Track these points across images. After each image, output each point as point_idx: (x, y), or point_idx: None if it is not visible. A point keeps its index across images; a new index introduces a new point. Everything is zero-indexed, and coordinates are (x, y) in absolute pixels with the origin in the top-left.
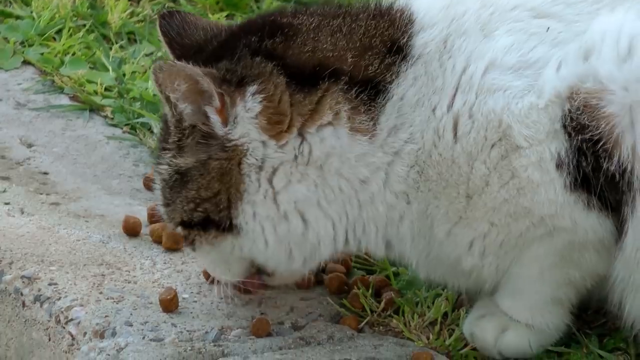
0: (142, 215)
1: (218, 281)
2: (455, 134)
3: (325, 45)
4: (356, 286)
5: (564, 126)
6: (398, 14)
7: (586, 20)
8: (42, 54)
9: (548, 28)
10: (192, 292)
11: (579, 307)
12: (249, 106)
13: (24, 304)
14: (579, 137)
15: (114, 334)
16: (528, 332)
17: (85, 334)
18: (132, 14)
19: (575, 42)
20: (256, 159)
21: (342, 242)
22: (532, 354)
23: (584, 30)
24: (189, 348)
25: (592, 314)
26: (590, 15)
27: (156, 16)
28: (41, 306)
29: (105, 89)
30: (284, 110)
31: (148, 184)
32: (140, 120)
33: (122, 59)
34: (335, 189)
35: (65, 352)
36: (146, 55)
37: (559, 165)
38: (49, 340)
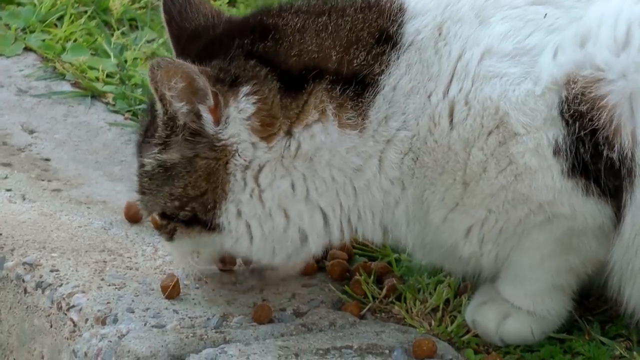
0: None
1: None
2: (451, 121)
3: (310, 47)
4: (358, 273)
5: (562, 113)
6: (388, 4)
7: (584, 7)
8: (43, 40)
9: (545, 14)
10: (193, 279)
11: (580, 294)
12: (242, 107)
13: (25, 291)
14: (577, 125)
15: (115, 321)
16: (530, 318)
17: (86, 320)
18: (133, 1)
19: (571, 28)
20: (244, 160)
21: (337, 233)
22: (534, 340)
23: (581, 16)
24: (191, 334)
25: (593, 300)
26: (588, 1)
27: (158, 3)
28: (43, 293)
29: (107, 76)
30: (275, 113)
31: None
32: (142, 106)
33: (124, 46)
34: (327, 179)
35: (67, 339)
36: (148, 41)
37: (556, 152)
38: (51, 326)
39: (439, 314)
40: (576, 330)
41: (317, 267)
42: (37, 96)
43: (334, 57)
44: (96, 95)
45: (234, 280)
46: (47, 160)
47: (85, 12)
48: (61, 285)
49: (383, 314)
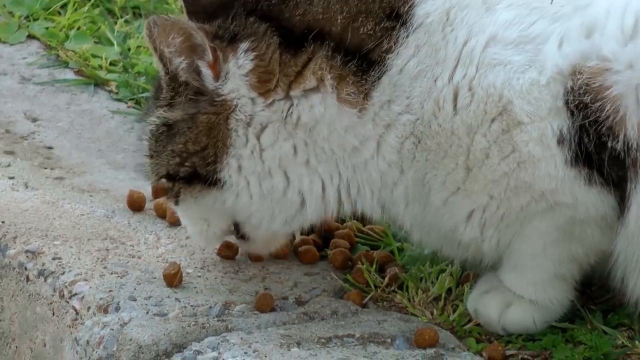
0: (146, 190)
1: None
2: (455, 106)
3: (316, 9)
4: (360, 261)
5: (567, 104)
6: None
7: None
8: (47, 28)
9: (552, 1)
10: (196, 267)
11: (583, 283)
12: (241, 63)
13: (28, 279)
14: (581, 115)
15: (117, 309)
16: (532, 307)
17: (89, 308)
18: None
19: (577, 17)
20: (245, 115)
21: (334, 203)
22: (536, 329)
23: (586, 4)
24: (193, 323)
25: (596, 289)
26: None
27: None
28: (45, 281)
29: (110, 64)
30: (273, 69)
31: None
32: (145, 94)
33: (127, 34)
34: (326, 150)
35: (69, 327)
36: None
37: (560, 142)
38: (53, 314)
39: (441, 303)
40: (578, 320)
41: (319, 255)
42: (40, 84)
43: (339, 21)
44: (99, 83)
45: (236, 268)
46: (50, 148)
47: (89, 0)
48: (63, 273)
49: (385, 302)
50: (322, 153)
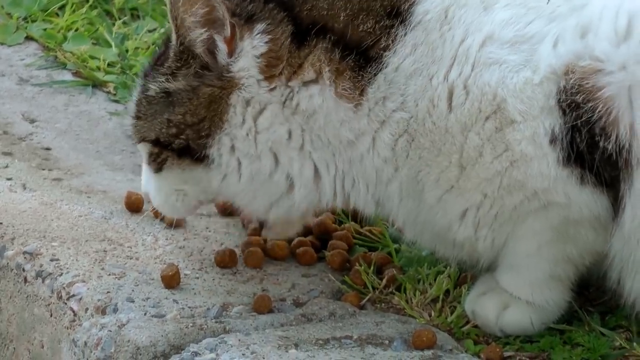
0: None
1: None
2: (449, 104)
3: (322, 4)
4: (358, 263)
5: (559, 102)
6: None
7: None
8: (45, 29)
9: (548, 1)
10: (194, 269)
11: (580, 284)
12: (255, 44)
13: (25, 280)
14: (573, 114)
15: (115, 310)
16: (529, 309)
17: (86, 309)
18: None
19: (573, 17)
20: (247, 95)
21: (330, 193)
22: (534, 331)
23: (582, 4)
24: (191, 324)
25: (594, 291)
26: None
27: None
28: (43, 282)
29: (108, 65)
30: (282, 56)
31: None
32: None
33: (125, 35)
34: (322, 138)
35: (67, 328)
36: (149, 31)
37: (552, 141)
38: (51, 316)
39: (439, 305)
40: (576, 321)
41: (317, 257)
42: (38, 85)
43: (341, 18)
44: (97, 85)
45: (234, 270)
46: (48, 149)
47: (87, 1)
48: (61, 274)
49: (383, 304)
50: (317, 140)
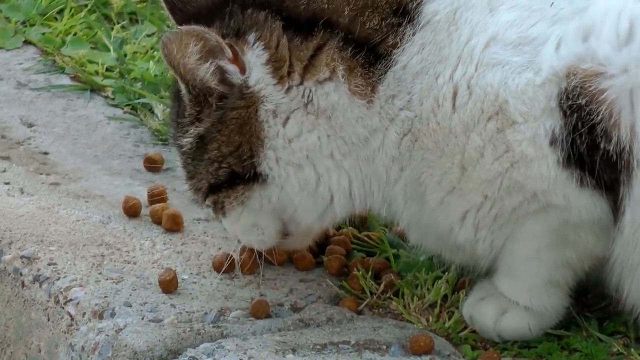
0: (142, 196)
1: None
2: (454, 104)
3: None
4: (356, 268)
5: (560, 104)
6: None
7: None
8: (43, 33)
9: (552, 3)
10: (191, 273)
11: (578, 290)
12: (257, 53)
13: (23, 284)
14: (574, 117)
15: (113, 315)
16: (527, 314)
17: (84, 314)
18: None
19: (575, 20)
20: (272, 105)
21: (359, 199)
22: (532, 336)
23: (585, 6)
24: (188, 329)
25: (592, 297)
26: None
27: None
28: (40, 286)
29: (107, 69)
30: (282, 55)
31: (148, 165)
32: (141, 100)
33: (124, 39)
34: (347, 140)
35: (64, 333)
36: (148, 35)
37: (552, 142)
38: (48, 320)
39: (437, 310)
40: (574, 327)
41: (315, 262)
42: (37, 89)
43: (346, 12)
44: (95, 89)
45: (232, 275)
46: (46, 153)
47: (86, 5)
48: (59, 278)
49: (381, 309)
50: (343, 145)
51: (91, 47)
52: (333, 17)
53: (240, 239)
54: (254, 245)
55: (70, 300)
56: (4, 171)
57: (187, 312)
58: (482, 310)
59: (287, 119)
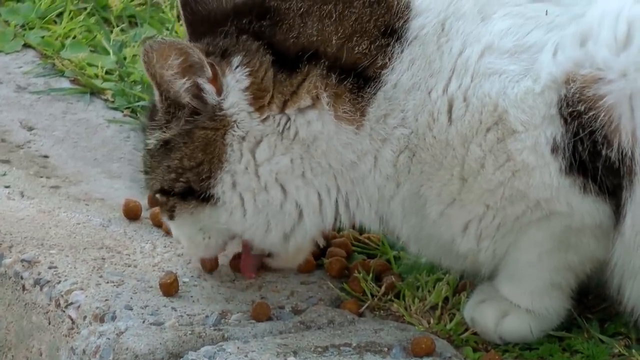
0: (142, 198)
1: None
2: (450, 117)
3: (310, 31)
4: (357, 270)
5: (560, 111)
6: (395, 2)
7: (584, 4)
8: (42, 37)
9: (546, 11)
10: (192, 276)
11: (579, 292)
12: (238, 77)
13: (23, 288)
14: (575, 123)
15: (114, 318)
16: (528, 317)
17: (85, 317)
18: None
19: (572, 26)
20: (242, 131)
21: (331, 216)
22: (533, 338)
23: (581, 13)
24: (189, 332)
25: (593, 298)
26: None
27: (157, 0)
28: (41, 290)
29: (106, 73)
30: (266, 86)
31: None
32: (141, 103)
33: (123, 43)
34: (322, 164)
35: (65, 336)
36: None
37: (554, 150)
38: (49, 323)
39: (438, 312)
40: (575, 328)
41: (316, 264)
42: (36, 93)
43: (334, 42)
44: (95, 92)
45: (233, 277)
46: (46, 157)
47: (85, 8)
48: (59, 282)
49: (382, 311)
50: (317, 167)
51: (91, 50)
52: (321, 48)
53: (183, 243)
54: (197, 250)
55: (71, 303)
56: (4, 175)
57: (188, 315)
58: (483, 313)
59: (258, 143)
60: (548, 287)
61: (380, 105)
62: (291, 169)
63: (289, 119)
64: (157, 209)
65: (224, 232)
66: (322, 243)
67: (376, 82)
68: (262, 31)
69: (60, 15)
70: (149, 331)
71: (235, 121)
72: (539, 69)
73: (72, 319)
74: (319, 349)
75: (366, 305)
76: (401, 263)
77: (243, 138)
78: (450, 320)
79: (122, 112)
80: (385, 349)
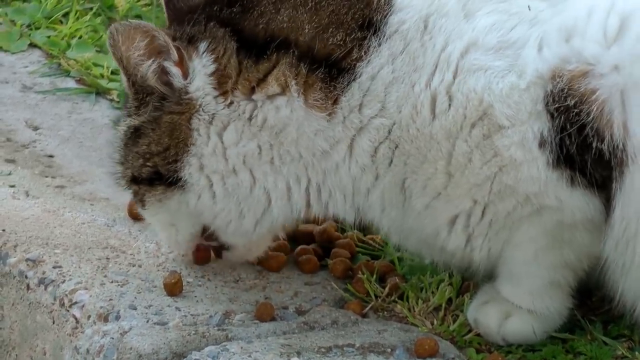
0: None
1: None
2: (433, 111)
3: (282, 18)
4: (360, 271)
5: (546, 106)
6: None
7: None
8: (48, 37)
9: (529, 7)
10: (196, 276)
11: (583, 294)
12: (204, 62)
13: (28, 287)
14: (562, 118)
15: (118, 318)
16: (531, 318)
17: (89, 317)
18: None
19: (556, 21)
20: (207, 115)
21: (302, 205)
22: (536, 340)
23: (564, 8)
24: (193, 332)
25: (596, 300)
26: None
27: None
28: (45, 289)
29: (112, 73)
30: (229, 72)
31: None
32: None
33: None
34: (293, 153)
35: (69, 335)
36: None
37: (541, 144)
38: (53, 323)
39: (441, 313)
40: (578, 330)
41: (320, 265)
42: (42, 93)
43: (307, 30)
44: (101, 92)
45: (237, 277)
46: (51, 156)
47: (91, 9)
48: (64, 281)
49: (385, 312)
50: (286, 155)
51: (96, 50)
52: (291, 36)
53: (158, 234)
54: (168, 244)
55: (76, 303)
56: (10, 174)
57: (192, 315)
58: (486, 314)
59: (225, 127)
60: (547, 285)
61: (355, 95)
62: (259, 154)
63: (256, 105)
64: (133, 202)
65: (193, 226)
66: (282, 236)
67: (350, 73)
68: (231, 17)
69: (66, 15)
70: (153, 331)
71: (200, 105)
72: (523, 64)
73: (76, 319)
74: (323, 350)
75: (370, 306)
76: (405, 264)
77: (210, 122)
78: (454, 322)
79: None
80: (389, 350)
